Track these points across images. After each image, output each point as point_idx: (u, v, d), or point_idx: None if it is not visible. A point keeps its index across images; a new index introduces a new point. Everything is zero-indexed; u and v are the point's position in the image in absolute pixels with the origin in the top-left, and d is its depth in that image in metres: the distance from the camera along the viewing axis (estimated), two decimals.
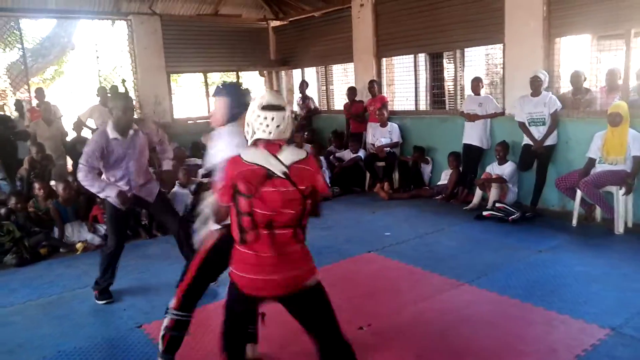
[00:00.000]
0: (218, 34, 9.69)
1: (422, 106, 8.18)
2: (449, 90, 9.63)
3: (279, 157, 2.17)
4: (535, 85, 5.68)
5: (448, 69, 9.66)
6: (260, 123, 2.21)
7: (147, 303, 3.98)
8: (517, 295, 3.68)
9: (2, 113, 8.03)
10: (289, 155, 2.19)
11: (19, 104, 8.12)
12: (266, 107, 2.21)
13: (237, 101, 2.84)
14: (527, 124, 5.83)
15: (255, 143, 2.25)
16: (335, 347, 2.30)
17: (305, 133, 8.67)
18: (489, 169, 6.30)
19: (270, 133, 2.20)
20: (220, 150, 2.73)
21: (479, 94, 6.62)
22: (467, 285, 3.94)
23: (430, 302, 3.69)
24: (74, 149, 7.52)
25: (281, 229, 2.17)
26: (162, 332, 2.89)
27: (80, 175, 3.72)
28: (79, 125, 7.61)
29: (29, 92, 8.33)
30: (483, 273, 4.16)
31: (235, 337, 2.43)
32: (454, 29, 7.04)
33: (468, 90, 7.91)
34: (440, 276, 4.15)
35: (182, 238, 4.10)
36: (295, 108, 9.69)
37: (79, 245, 5.45)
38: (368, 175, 7.72)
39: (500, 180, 5.99)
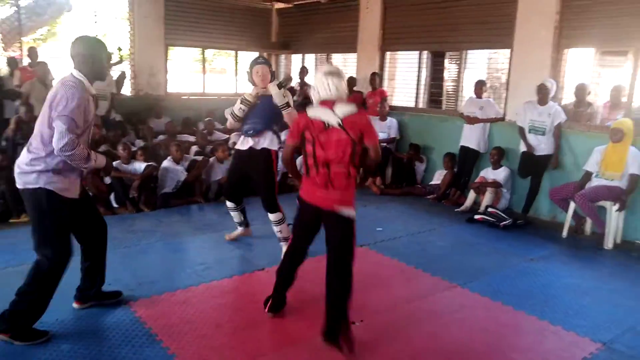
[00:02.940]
0: (221, 10, 9.48)
1: (422, 104, 8.12)
2: (447, 90, 9.63)
3: (335, 111, 2.86)
4: (542, 94, 5.66)
5: (449, 69, 9.66)
6: (324, 86, 2.92)
7: (133, 279, 3.87)
8: (509, 302, 3.67)
9: None
10: (343, 109, 2.87)
11: (12, 62, 7.84)
12: (328, 73, 2.95)
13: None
14: (527, 131, 5.82)
15: (321, 103, 2.92)
16: (336, 267, 3.05)
17: None
18: (483, 173, 6.29)
19: (330, 92, 2.91)
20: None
21: (481, 97, 6.59)
22: (459, 287, 3.92)
23: (423, 301, 3.67)
24: None
25: (336, 167, 2.90)
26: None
27: (68, 146, 2.70)
28: None
29: (22, 50, 8.05)
30: (475, 277, 4.15)
31: (295, 238, 3.29)
32: (463, 30, 6.99)
33: (468, 92, 7.92)
34: (433, 276, 4.12)
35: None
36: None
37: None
38: (361, 168, 7.64)
39: (496, 184, 5.99)
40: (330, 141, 2.85)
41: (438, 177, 6.94)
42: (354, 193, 3.06)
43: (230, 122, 4.27)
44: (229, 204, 4.70)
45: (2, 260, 4.15)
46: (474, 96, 6.65)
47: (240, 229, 4.90)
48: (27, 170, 2.82)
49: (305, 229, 3.20)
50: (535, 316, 3.48)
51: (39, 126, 2.84)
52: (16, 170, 2.88)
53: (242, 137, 4.30)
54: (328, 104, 2.90)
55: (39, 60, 7.33)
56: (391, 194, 6.97)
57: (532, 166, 5.83)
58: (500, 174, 6.09)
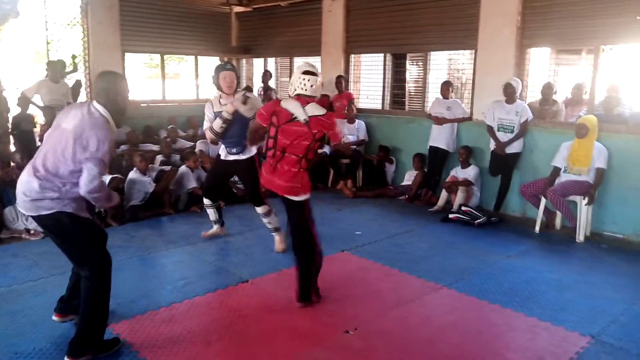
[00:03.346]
0: (178, 15, 9.22)
1: (389, 106, 8.17)
2: (409, 92, 9.75)
3: (305, 108, 3.30)
4: (508, 92, 5.78)
5: (410, 70, 9.78)
6: (300, 83, 3.32)
7: (112, 299, 3.64)
8: (496, 301, 3.71)
9: None
10: (312, 109, 3.33)
11: None
12: (306, 72, 3.33)
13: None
14: (496, 129, 5.94)
15: (298, 97, 3.34)
16: (299, 244, 3.57)
17: None
18: (453, 172, 6.38)
19: (306, 90, 3.33)
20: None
21: (447, 98, 6.68)
22: (445, 288, 3.94)
23: (413, 305, 3.65)
24: (19, 127, 6.90)
25: (290, 155, 3.35)
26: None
27: (98, 188, 2.70)
28: (24, 101, 6.99)
29: None
30: (459, 277, 4.18)
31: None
32: (427, 32, 7.07)
33: (431, 93, 8.04)
34: (418, 278, 4.12)
35: None
36: None
37: None
38: (332, 171, 7.62)
39: (467, 183, 6.08)
40: (291, 130, 3.31)
41: (408, 178, 6.98)
42: (304, 182, 3.45)
43: (210, 137, 4.49)
44: (207, 201, 4.90)
45: None
46: (441, 97, 6.74)
47: (215, 227, 5.06)
48: (38, 197, 2.72)
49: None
50: (523, 313, 3.53)
51: (56, 156, 2.71)
52: (22, 198, 2.75)
53: (226, 151, 4.58)
54: (301, 100, 3.33)
55: None
56: (364, 196, 6.96)
57: (502, 164, 5.96)
58: (470, 173, 6.18)
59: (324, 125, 3.33)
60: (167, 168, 6.31)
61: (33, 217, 2.81)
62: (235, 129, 4.34)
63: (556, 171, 5.43)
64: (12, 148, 6.65)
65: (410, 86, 9.74)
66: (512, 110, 5.82)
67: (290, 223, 3.58)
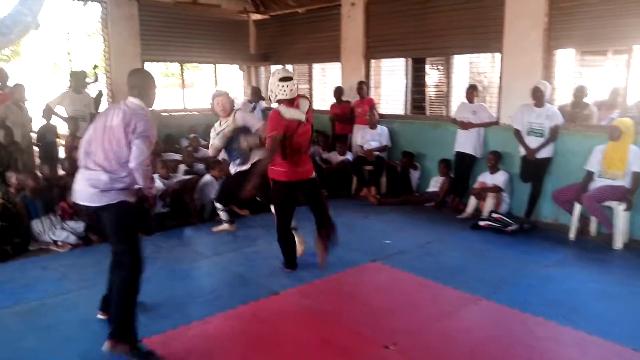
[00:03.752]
0: (197, 24, 9.22)
1: (411, 111, 8.06)
2: (429, 96, 9.62)
3: (300, 109, 3.95)
4: (537, 96, 5.65)
5: (430, 74, 9.66)
6: (280, 89, 3.88)
7: (143, 313, 3.58)
8: (539, 313, 3.57)
9: None
10: (302, 107, 3.99)
11: None
12: (282, 79, 3.88)
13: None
14: (525, 133, 5.79)
15: (279, 102, 3.94)
16: (322, 219, 4.28)
17: None
18: (481, 178, 6.24)
19: (286, 95, 3.89)
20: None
21: (472, 102, 6.55)
22: (484, 300, 3.81)
23: (453, 319, 3.53)
24: (43, 138, 6.92)
25: (304, 150, 4.13)
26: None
27: (145, 161, 3.02)
28: (48, 112, 7.01)
29: None
30: (497, 287, 4.04)
31: (287, 213, 4.29)
32: (449, 35, 6.96)
33: (453, 97, 7.90)
34: (455, 290, 3.99)
35: None
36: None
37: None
38: (355, 178, 7.52)
39: (496, 189, 5.94)
40: (302, 134, 3.98)
41: (434, 184, 6.85)
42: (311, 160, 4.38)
43: (213, 152, 5.04)
44: (219, 205, 5.16)
45: None
46: (466, 101, 6.61)
47: (226, 225, 5.33)
48: (107, 189, 3.03)
49: (292, 202, 4.25)
50: (569, 326, 3.39)
51: (115, 152, 3.04)
52: (90, 191, 3.05)
53: (235, 164, 4.89)
54: (291, 104, 3.93)
55: (16, 82, 6.93)
56: (389, 203, 6.84)
57: (533, 170, 5.81)
58: (499, 178, 6.04)
59: (310, 116, 4.06)
60: (189, 177, 6.25)
61: (98, 208, 3.09)
62: (236, 145, 4.80)
63: (590, 175, 5.27)
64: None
65: (430, 90, 9.64)
66: (542, 114, 5.68)
67: (314, 198, 4.28)
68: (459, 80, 8.28)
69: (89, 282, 4.12)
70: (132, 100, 3.13)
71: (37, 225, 5.14)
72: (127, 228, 3.15)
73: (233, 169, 4.95)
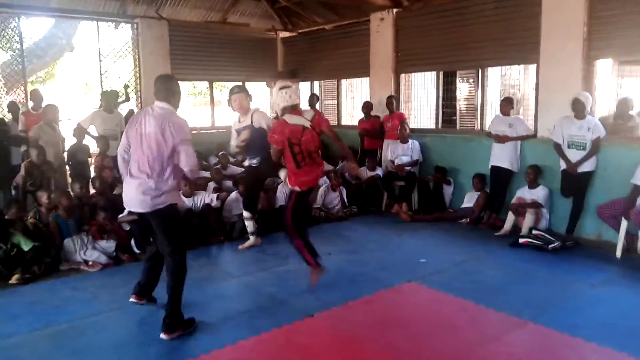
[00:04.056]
0: (225, 42, 9.31)
1: (441, 124, 7.89)
2: (460, 110, 9.43)
3: (304, 116, 4.10)
4: (578, 108, 5.42)
5: (460, 88, 9.48)
6: (282, 97, 4.11)
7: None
8: (591, 338, 3.33)
9: None
10: (307, 115, 4.14)
11: (13, 106, 7.56)
12: (282, 88, 4.14)
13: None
14: (565, 146, 5.56)
15: (285, 111, 4.12)
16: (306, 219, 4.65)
17: None
18: (519, 193, 6.00)
19: (288, 101, 4.11)
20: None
21: (508, 115, 6.35)
22: (531, 323, 3.58)
23: (499, 344, 3.32)
24: (74, 157, 6.99)
25: (314, 154, 4.17)
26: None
27: (196, 161, 3.42)
28: (80, 132, 7.10)
29: (26, 94, 7.77)
30: (543, 309, 3.82)
31: (299, 218, 4.25)
32: (482, 47, 6.79)
33: (485, 110, 7.70)
34: (498, 312, 3.78)
35: None
36: None
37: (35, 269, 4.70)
38: (385, 194, 7.36)
39: (536, 205, 5.70)
40: (308, 138, 4.04)
41: (469, 200, 6.63)
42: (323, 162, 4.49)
43: (234, 152, 5.66)
44: (246, 214, 5.33)
45: (25, 322, 3.76)
46: (501, 114, 6.41)
47: (252, 238, 5.44)
48: (155, 194, 3.30)
49: (302, 209, 4.35)
50: (627, 352, 3.14)
51: (153, 156, 3.28)
52: (141, 197, 3.30)
53: (248, 162, 5.29)
54: (296, 111, 4.12)
55: (48, 103, 7.05)
56: (422, 220, 6.64)
57: (575, 184, 5.55)
58: (539, 194, 5.80)
59: (318, 122, 4.15)
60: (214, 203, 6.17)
61: (148, 214, 3.36)
62: (251, 148, 5.05)
63: (637, 190, 4.99)
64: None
65: (461, 104, 9.45)
66: (583, 126, 5.44)
67: (306, 206, 4.53)
68: (490, 93, 8.08)
69: (120, 303, 4.05)
70: (160, 105, 3.36)
71: (69, 244, 5.13)
72: (176, 229, 3.47)
73: (248, 164, 5.25)
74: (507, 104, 6.36)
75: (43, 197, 5.51)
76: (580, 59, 5.73)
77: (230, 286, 4.55)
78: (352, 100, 10.81)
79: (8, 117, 7.55)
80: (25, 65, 8.10)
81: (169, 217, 3.39)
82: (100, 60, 8.28)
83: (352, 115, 10.36)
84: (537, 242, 5.33)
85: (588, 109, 5.49)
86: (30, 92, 7.73)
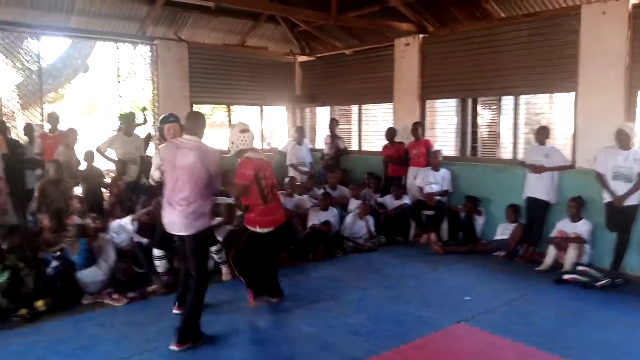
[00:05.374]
0: (244, 66, 9.16)
1: (469, 152, 7.69)
2: (482, 137, 9.25)
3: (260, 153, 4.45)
4: (621, 139, 5.23)
5: (482, 114, 9.32)
6: (240, 140, 4.28)
7: None
8: None
9: (10, 137, 7.20)
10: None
11: (29, 129, 7.34)
12: (243, 131, 4.32)
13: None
14: (610, 178, 5.33)
15: (242, 153, 4.31)
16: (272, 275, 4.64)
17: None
18: (560, 226, 5.75)
19: (245, 144, 4.29)
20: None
21: (544, 144, 6.15)
22: None
23: None
24: (87, 180, 6.74)
25: (276, 189, 4.48)
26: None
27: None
28: (91, 156, 6.88)
29: (42, 115, 7.56)
30: (610, 356, 3.55)
31: (249, 262, 4.40)
32: (514, 74, 6.65)
33: (506, 138, 7.51)
34: (563, 359, 3.50)
35: None
36: (323, 146, 9.09)
37: (40, 304, 4.36)
38: (413, 224, 7.11)
39: (579, 240, 5.45)
40: (269, 173, 4.35)
41: (502, 231, 6.38)
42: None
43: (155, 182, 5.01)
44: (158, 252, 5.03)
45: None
46: (536, 143, 6.21)
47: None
48: (194, 218, 3.67)
49: (261, 251, 4.44)
50: None
51: (193, 187, 3.66)
52: (184, 222, 3.67)
53: None
54: (252, 150, 4.33)
55: (69, 127, 6.86)
56: (455, 252, 6.38)
57: (620, 218, 5.32)
58: (581, 228, 5.55)
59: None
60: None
61: (186, 237, 3.73)
62: None
63: None
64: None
65: (482, 131, 9.28)
66: (629, 157, 5.23)
67: (273, 249, 4.60)
68: (510, 121, 7.87)
69: (152, 344, 3.78)
70: (188, 138, 3.78)
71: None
72: (204, 251, 4.00)
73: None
74: (543, 133, 6.16)
75: (45, 219, 5.29)
76: (622, 88, 5.57)
77: (267, 323, 4.25)
78: (367, 126, 10.64)
79: (24, 139, 7.33)
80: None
81: (202, 240, 3.80)
82: (119, 82, 8.10)
83: (368, 142, 10.18)
84: (583, 278, 5.07)
85: (633, 140, 5.29)
86: (47, 114, 7.52)
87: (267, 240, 4.40)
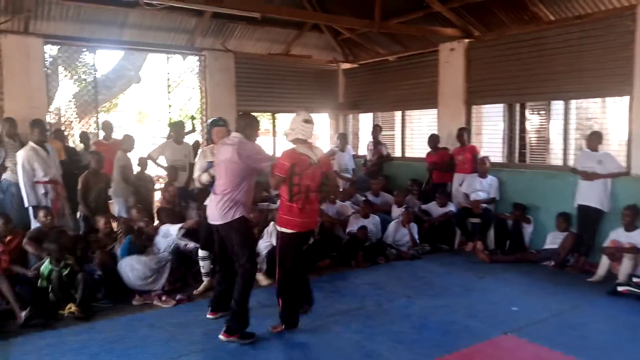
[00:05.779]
0: (288, 74, 9.32)
1: (517, 159, 7.51)
2: (530, 143, 9.00)
3: (313, 151, 4.00)
4: None
5: (531, 119, 9.07)
6: (302, 129, 3.98)
7: None
8: None
9: (67, 144, 7.59)
10: (317, 152, 4.07)
11: (84, 137, 7.71)
12: (306, 120, 4.00)
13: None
14: None
15: (297, 142, 3.98)
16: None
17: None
18: (614, 236, 5.51)
19: (304, 135, 3.99)
20: None
21: (596, 150, 5.93)
22: None
23: None
24: (138, 186, 7.01)
25: (312, 193, 3.98)
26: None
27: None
28: (144, 162, 7.14)
29: (98, 124, 7.93)
30: None
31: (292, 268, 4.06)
32: (564, 78, 6.47)
33: (555, 144, 7.27)
34: None
35: None
36: (366, 153, 9.09)
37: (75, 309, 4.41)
38: (458, 232, 6.99)
39: (636, 250, 5.21)
40: (311, 173, 3.93)
41: (552, 240, 6.18)
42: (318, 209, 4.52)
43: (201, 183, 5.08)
44: (203, 253, 5.11)
45: None
46: (588, 150, 6.00)
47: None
48: (227, 208, 3.85)
49: (300, 253, 4.12)
50: None
51: (229, 179, 3.86)
52: (217, 212, 3.88)
53: None
54: (307, 144, 4.00)
55: (125, 134, 7.18)
56: (502, 261, 6.22)
57: None
58: (637, 237, 5.30)
59: (324, 164, 4.10)
60: None
61: (220, 226, 3.93)
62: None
63: None
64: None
65: (531, 136, 9.03)
66: None
67: (299, 254, 4.11)
68: (560, 126, 7.63)
69: (199, 345, 3.90)
70: (235, 135, 3.98)
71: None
72: (248, 239, 3.99)
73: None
74: (595, 139, 5.95)
75: (100, 222, 5.52)
76: None
77: (309, 330, 4.27)
78: (411, 132, 10.56)
79: (80, 146, 7.70)
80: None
81: (241, 229, 3.87)
82: (169, 92, 8.39)
83: (411, 147, 10.10)
84: (639, 291, 4.84)
85: None
86: (102, 122, 7.88)
87: (292, 242, 4.01)
